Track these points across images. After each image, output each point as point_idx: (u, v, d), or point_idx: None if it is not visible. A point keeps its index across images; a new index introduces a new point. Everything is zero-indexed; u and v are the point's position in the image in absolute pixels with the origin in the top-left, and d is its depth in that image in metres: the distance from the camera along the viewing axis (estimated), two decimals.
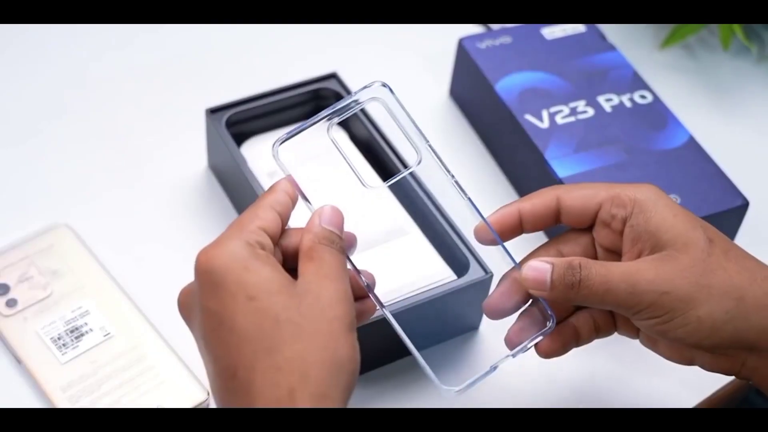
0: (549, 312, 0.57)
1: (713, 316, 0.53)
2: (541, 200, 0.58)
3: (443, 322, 0.70)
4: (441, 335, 0.71)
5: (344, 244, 0.54)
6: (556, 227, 0.61)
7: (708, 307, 0.53)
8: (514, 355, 0.57)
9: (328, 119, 0.58)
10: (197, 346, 0.53)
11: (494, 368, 0.56)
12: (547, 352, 0.58)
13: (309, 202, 0.56)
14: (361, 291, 0.55)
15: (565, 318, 0.59)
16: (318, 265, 0.52)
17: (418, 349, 0.57)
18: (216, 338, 0.51)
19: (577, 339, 0.59)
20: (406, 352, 0.58)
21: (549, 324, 0.57)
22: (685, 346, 0.56)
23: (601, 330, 0.59)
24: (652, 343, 0.58)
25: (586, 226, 0.58)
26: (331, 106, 0.58)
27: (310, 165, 0.57)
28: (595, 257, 0.59)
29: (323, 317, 0.50)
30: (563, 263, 0.55)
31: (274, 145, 0.56)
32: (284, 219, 0.54)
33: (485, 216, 0.58)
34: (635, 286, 0.54)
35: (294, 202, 0.56)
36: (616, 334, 0.60)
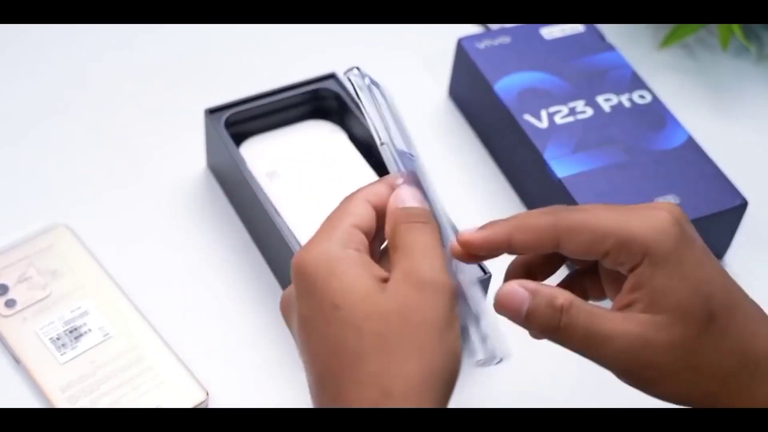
0: None
1: (693, 396, 0.51)
2: (536, 236, 0.51)
3: None
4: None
5: (429, 214, 0.49)
6: None
7: (689, 387, 0.51)
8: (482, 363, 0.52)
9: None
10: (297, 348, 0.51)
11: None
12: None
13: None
14: None
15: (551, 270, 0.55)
16: (402, 254, 0.48)
17: None
18: (309, 345, 0.48)
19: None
20: None
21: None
22: None
23: (588, 297, 0.56)
24: None
25: (590, 263, 0.54)
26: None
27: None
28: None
29: (409, 323, 0.46)
30: (544, 299, 0.50)
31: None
32: (381, 210, 0.50)
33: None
34: (620, 353, 0.50)
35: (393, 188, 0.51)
36: None
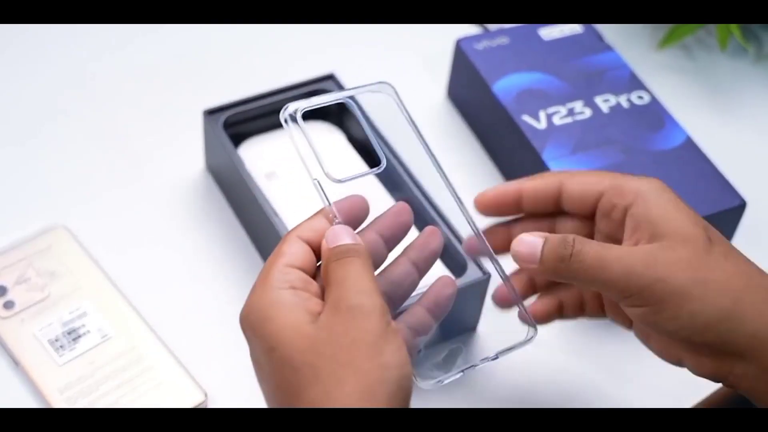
0: (531, 321, 0.57)
1: (706, 313, 0.52)
2: (543, 182, 0.57)
3: (441, 323, 0.70)
4: (440, 336, 0.71)
5: (360, 248, 0.52)
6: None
7: (702, 303, 0.52)
8: (492, 358, 0.56)
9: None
10: None
11: (464, 371, 0.55)
12: (535, 317, 0.57)
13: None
14: None
15: (552, 288, 0.58)
16: (333, 288, 0.51)
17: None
18: (261, 385, 0.52)
19: (561, 312, 0.58)
20: None
21: (529, 334, 0.56)
22: (674, 343, 0.55)
23: (587, 309, 0.59)
24: (644, 337, 0.57)
25: (586, 213, 0.58)
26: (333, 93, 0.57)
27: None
28: None
29: (340, 347, 0.48)
30: (557, 237, 0.54)
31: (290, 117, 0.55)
32: (316, 244, 0.53)
33: (479, 228, 0.57)
34: (630, 268, 0.52)
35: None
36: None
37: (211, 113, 0.76)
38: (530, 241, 0.54)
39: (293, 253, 0.52)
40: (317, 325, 0.49)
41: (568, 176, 0.57)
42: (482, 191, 0.58)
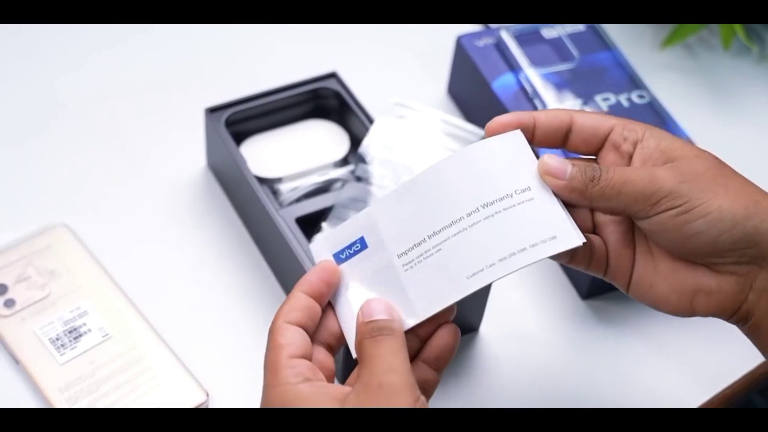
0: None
1: (734, 209, 0.53)
2: (555, 114, 0.57)
3: None
4: None
5: (394, 325, 0.53)
6: None
7: (728, 199, 0.53)
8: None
9: None
10: None
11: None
12: None
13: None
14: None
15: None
16: (365, 366, 0.51)
17: None
18: None
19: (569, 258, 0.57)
20: None
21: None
22: (690, 269, 0.55)
23: (591, 265, 0.57)
24: (647, 282, 0.56)
25: (592, 149, 0.58)
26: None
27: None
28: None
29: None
30: (582, 161, 0.55)
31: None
32: (310, 327, 0.54)
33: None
34: (653, 175, 0.53)
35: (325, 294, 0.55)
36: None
37: (212, 111, 0.76)
38: (559, 159, 0.55)
39: (291, 343, 0.53)
40: (346, 403, 0.50)
41: (578, 113, 0.58)
42: (497, 116, 0.57)
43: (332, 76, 0.79)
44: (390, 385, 0.50)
